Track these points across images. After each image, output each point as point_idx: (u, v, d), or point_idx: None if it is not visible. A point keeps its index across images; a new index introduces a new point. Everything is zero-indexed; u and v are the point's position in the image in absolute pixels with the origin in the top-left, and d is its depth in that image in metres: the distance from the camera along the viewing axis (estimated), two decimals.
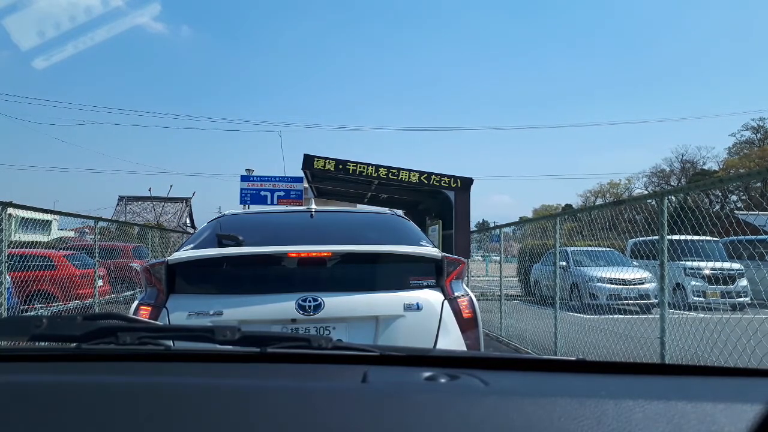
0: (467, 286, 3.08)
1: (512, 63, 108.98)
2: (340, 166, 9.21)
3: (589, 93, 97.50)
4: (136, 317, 2.22)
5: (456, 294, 2.78)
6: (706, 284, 7.48)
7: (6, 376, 0.95)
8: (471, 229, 10.00)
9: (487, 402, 0.80)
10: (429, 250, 2.92)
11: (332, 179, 10.58)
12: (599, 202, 53.62)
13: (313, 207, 3.65)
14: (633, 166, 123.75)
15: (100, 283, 8.96)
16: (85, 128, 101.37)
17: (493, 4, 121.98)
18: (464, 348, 2.68)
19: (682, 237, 4.91)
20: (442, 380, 0.92)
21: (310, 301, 2.57)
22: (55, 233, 16.39)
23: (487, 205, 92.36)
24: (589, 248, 8.68)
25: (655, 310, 5.53)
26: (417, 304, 2.66)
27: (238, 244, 2.83)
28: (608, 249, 7.98)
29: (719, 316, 3.91)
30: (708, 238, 5.55)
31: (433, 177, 9.12)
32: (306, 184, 13.93)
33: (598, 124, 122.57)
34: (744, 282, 6.88)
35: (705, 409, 0.74)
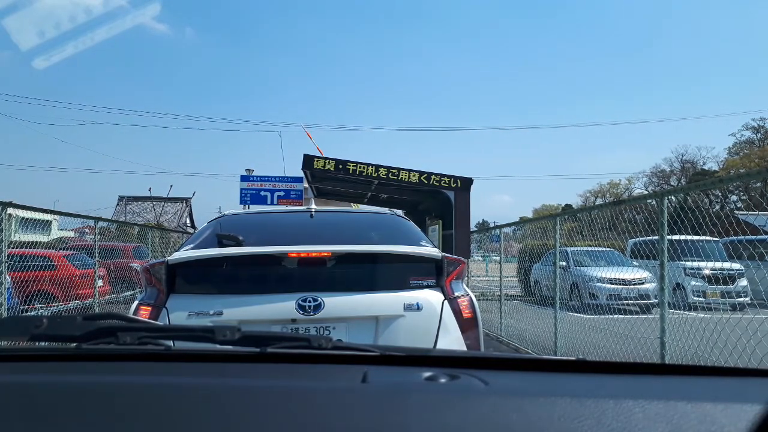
0: (467, 286, 3.08)
1: (513, 63, 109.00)
2: (340, 166, 9.20)
3: (589, 93, 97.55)
4: (136, 317, 2.21)
5: (456, 294, 2.78)
6: (706, 284, 7.48)
7: (6, 376, 0.95)
8: (471, 229, 10.00)
9: (487, 402, 0.80)
10: (429, 250, 2.92)
11: (332, 179, 10.58)
12: (599, 202, 53.62)
13: (313, 207, 3.65)
14: (633, 166, 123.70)
15: (100, 283, 8.96)
16: (85, 128, 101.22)
17: (494, 4, 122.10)
18: (464, 348, 2.68)
19: (682, 237, 4.91)
20: (442, 380, 0.92)
21: (310, 301, 2.57)
22: (55, 233, 16.38)
23: (488, 205, 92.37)
24: (589, 248, 8.69)
25: (655, 310, 5.53)
26: (417, 304, 2.66)
27: (238, 244, 2.83)
28: (608, 249, 7.98)
29: (719, 316, 3.91)
30: (708, 238, 5.56)
31: (433, 177, 9.12)
32: (306, 184, 13.93)
33: (598, 124, 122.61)
34: (744, 282, 6.88)
35: (705, 409, 0.74)
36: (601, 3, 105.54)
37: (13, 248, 7.36)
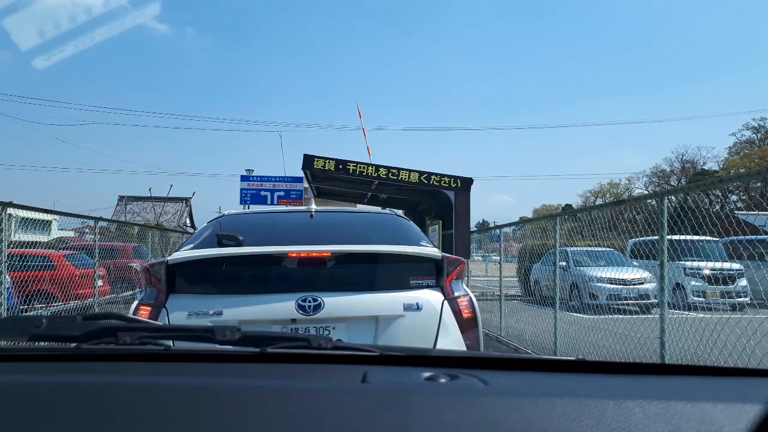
0: (467, 286, 3.08)
1: (512, 63, 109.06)
2: (340, 166, 9.20)
3: (588, 93, 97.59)
4: (136, 317, 2.22)
5: (456, 294, 2.78)
6: (706, 284, 7.48)
7: (6, 376, 0.95)
8: (471, 229, 10.00)
9: (487, 402, 0.80)
10: (429, 250, 2.92)
11: (332, 179, 10.57)
12: (599, 202, 53.61)
13: (313, 207, 3.65)
14: (633, 166, 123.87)
15: (99, 283, 8.96)
16: (85, 128, 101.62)
17: (494, 5, 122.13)
18: (464, 348, 2.68)
19: (682, 237, 4.91)
20: (442, 380, 0.92)
21: (309, 301, 2.57)
22: (55, 233, 16.38)
23: (488, 205, 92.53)
24: (589, 248, 8.69)
25: (655, 310, 5.53)
26: (417, 304, 2.66)
27: (238, 244, 2.83)
28: (608, 249, 7.98)
29: (719, 316, 3.91)
30: (708, 238, 5.56)
31: (433, 177, 9.12)
32: (306, 184, 13.93)
33: (598, 124, 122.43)
34: (744, 282, 6.88)
35: (705, 409, 0.74)
36: (601, 3, 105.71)
37: (12, 248, 7.36)
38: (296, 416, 0.76)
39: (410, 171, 9.23)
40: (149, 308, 2.62)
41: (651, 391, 0.87)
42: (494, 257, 14.61)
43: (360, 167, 9.20)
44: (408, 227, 3.44)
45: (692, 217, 4.37)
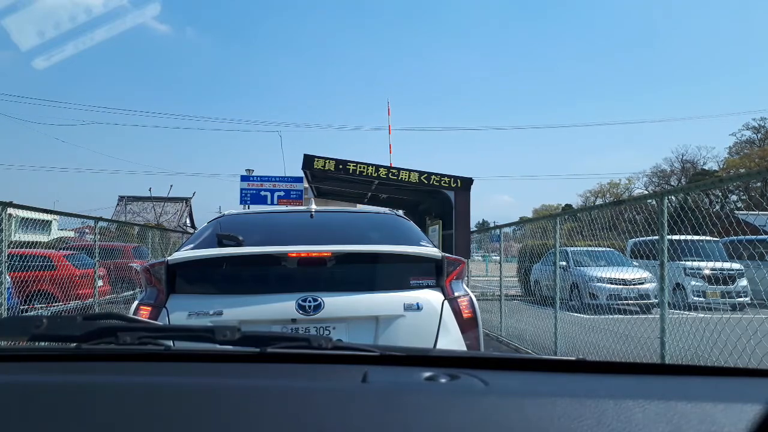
0: (467, 286, 3.08)
1: (513, 63, 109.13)
2: (340, 166, 9.19)
3: (589, 93, 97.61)
4: (136, 317, 2.21)
5: (456, 294, 2.78)
6: (706, 284, 7.49)
7: (6, 376, 0.95)
8: (471, 229, 9.99)
9: (487, 402, 0.80)
10: (429, 250, 2.92)
11: (332, 179, 10.56)
12: (599, 202, 53.60)
13: (313, 207, 3.65)
14: (633, 166, 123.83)
15: (100, 283, 8.96)
16: (85, 128, 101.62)
17: (494, 4, 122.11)
18: (464, 348, 2.68)
19: (682, 237, 4.91)
20: (442, 380, 0.92)
21: (310, 301, 2.57)
22: (55, 233, 16.38)
23: (488, 205, 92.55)
24: (589, 248, 8.69)
25: (655, 310, 5.54)
26: (417, 304, 2.66)
27: (238, 244, 2.83)
28: (608, 249, 7.98)
29: (719, 316, 3.91)
30: (708, 238, 5.56)
31: (433, 177, 9.11)
32: (306, 184, 13.94)
33: (598, 124, 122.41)
34: (744, 282, 6.89)
35: (705, 409, 0.74)
36: (601, 3, 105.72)
37: (13, 248, 7.36)
38: (296, 416, 0.76)
39: (410, 171, 9.22)
40: (149, 308, 2.62)
41: (651, 391, 0.87)
42: (494, 257, 14.60)
43: (360, 167, 9.20)
44: (408, 227, 3.44)
45: (692, 217, 4.37)
